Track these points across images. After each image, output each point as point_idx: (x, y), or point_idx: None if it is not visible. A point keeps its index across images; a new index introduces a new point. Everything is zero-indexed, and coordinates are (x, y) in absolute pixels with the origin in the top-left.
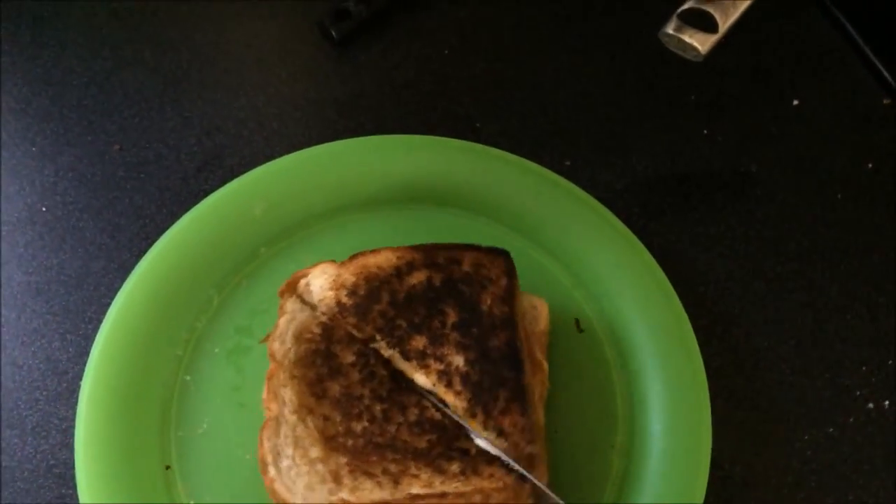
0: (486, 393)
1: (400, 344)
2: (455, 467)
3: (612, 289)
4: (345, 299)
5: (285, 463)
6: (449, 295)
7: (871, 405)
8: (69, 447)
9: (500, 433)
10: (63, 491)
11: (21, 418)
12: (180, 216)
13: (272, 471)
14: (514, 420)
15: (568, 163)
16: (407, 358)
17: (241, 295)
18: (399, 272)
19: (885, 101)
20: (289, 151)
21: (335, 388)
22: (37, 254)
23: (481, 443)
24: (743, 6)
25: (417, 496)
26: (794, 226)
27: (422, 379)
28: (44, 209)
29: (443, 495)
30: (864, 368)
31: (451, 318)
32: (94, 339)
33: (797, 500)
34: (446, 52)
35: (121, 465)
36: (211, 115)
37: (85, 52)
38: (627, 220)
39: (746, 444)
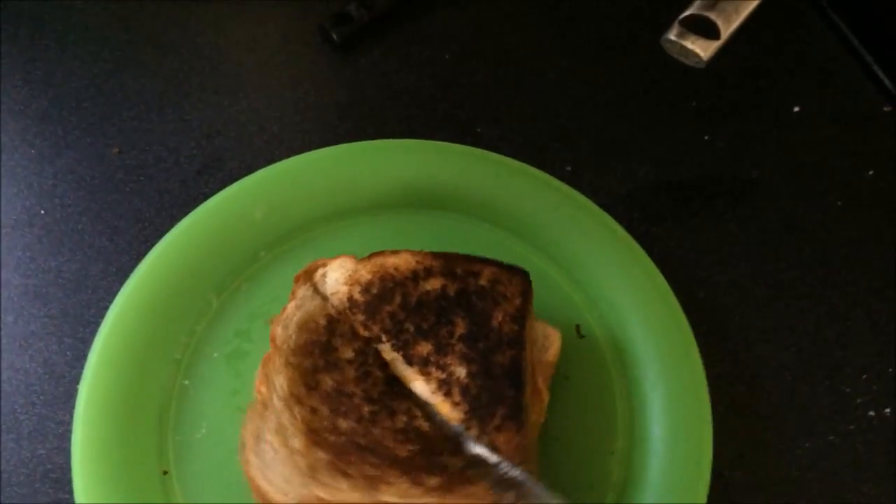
0: (483, 407)
1: (404, 347)
2: (433, 482)
3: (612, 294)
4: (357, 295)
5: (265, 447)
6: (461, 306)
7: (871, 412)
8: (66, 451)
9: (494, 449)
10: (60, 495)
11: (18, 422)
12: (180, 219)
13: (251, 455)
14: (508, 438)
15: (569, 168)
16: (409, 362)
17: (241, 299)
18: (415, 276)
19: (886, 108)
20: (289, 155)
21: (328, 382)
22: (35, 257)
23: (478, 450)
24: (745, 13)
25: None
26: (794, 232)
27: (420, 386)
28: (42, 212)
29: None
30: (864, 376)
31: (460, 329)
32: (92, 343)
33: None
34: (447, 56)
35: (118, 469)
36: (211, 119)
37: (84, 54)
38: (628, 226)
39: (747, 451)
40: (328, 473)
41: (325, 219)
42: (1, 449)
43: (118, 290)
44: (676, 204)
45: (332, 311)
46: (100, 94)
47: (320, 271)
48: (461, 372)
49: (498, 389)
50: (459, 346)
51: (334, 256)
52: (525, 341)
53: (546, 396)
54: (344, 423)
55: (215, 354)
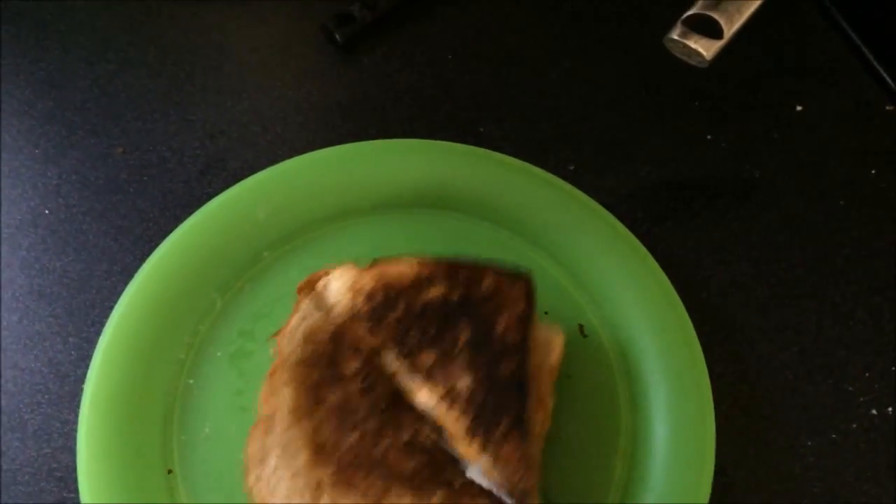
0: (488, 417)
1: (409, 356)
2: (437, 498)
3: (615, 293)
4: (361, 304)
5: (271, 464)
6: (465, 313)
7: (874, 411)
8: (70, 450)
9: (497, 458)
10: (65, 494)
11: (23, 421)
12: (183, 219)
13: (256, 471)
14: (513, 447)
15: (571, 167)
16: (414, 371)
17: (245, 299)
18: (418, 283)
19: (888, 108)
20: (292, 155)
21: (333, 397)
22: (39, 257)
23: (472, 474)
24: (748, 12)
25: None
26: (797, 231)
27: (424, 396)
28: (47, 212)
29: None
30: (867, 374)
31: (464, 336)
32: (96, 342)
33: None
34: (450, 56)
35: (123, 467)
36: (214, 119)
37: (88, 55)
38: (630, 225)
39: (749, 450)
40: (333, 489)
41: (329, 219)
42: (6, 448)
43: (122, 290)
44: (678, 203)
45: (337, 323)
46: (103, 95)
47: (322, 281)
48: (466, 381)
49: (503, 399)
50: (464, 355)
51: (336, 265)
52: (529, 347)
53: (550, 403)
54: (349, 438)
55: (219, 354)
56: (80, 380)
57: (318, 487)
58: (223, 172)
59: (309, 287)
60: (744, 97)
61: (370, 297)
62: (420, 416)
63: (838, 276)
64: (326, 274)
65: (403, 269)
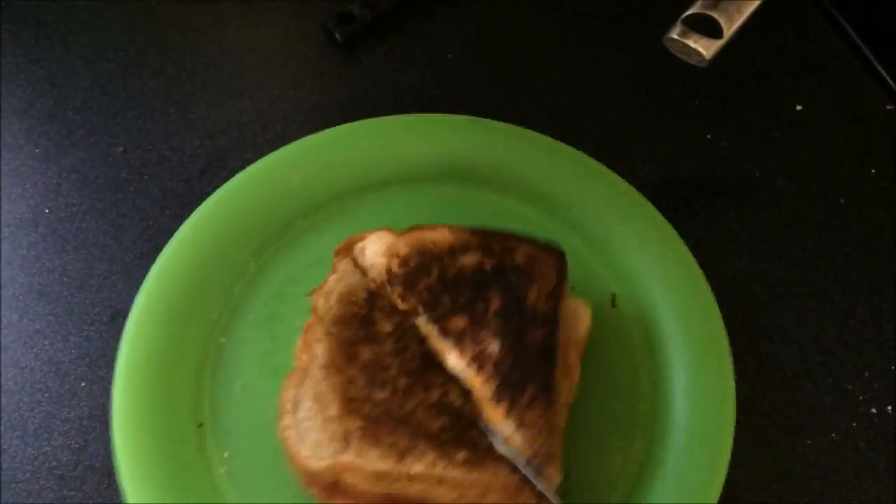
0: (515, 383)
1: (440, 320)
2: (461, 455)
3: (641, 269)
4: (395, 268)
5: (302, 413)
6: (497, 282)
7: (873, 410)
8: (71, 449)
9: (521, 424)
10: (65, 492)
11: (23, 420)
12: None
13: (288, 418)
14: (537, 414)
15: None
16: (445, 335)
17: (278, 264)
18: (453, 251)
19: (888, 107)
20: None
21: (366, 354)
22: (40, 255)
23: (494, 442)
24: (748, 11)
25: (418, 475)
26: (797, 231)
27: (454, 360)
28: (47, 211)
29: (441, 481)
30: (866, 373)
31: (495, 304)
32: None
33: None
34: (450, 56)
35: (155, 419)
36: (214, 118)
37: (89, 54)
38: None
39: (749, 448)
40: (360, 441)
41: (360, 189)
42: (6, 446)
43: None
44: (678, 203)
45: (372, 285)
46: (104, 94)
47: (360, 245)
48: (495, 347)
49: (530, 366)
50: (494, 322)
51: (373, 230)
52: (559, 319)
53: (577, 374)
54: (379, 394)
55: (251, 316)
56: (81, 378)
57: (345, 438)
58: (223, 171)
59: (346, 250)
60: (744, 96)
61: (405, 261)
62: (449, 379)
63: (838, 274)
64: (363, 238)
65: (438, 236)
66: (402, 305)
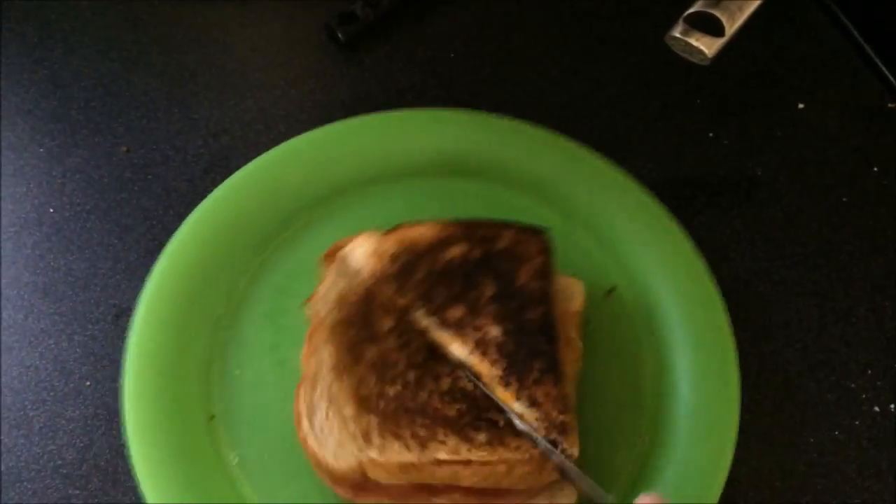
0: (520, 363)
1: (438, 312)
2: (482, 437)
3: (640, 255)
4: (385, 267)
5: (319, 418)
6: (486, 269)
7: (876, 408)
8: (76, 447)
9: (533, 402)
10: (70, 491)
11: (28, 419)
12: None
13: (306, 425)
14: (547, 390)
15: None
16: (444, 326)
17: (280, 258)
18: (438, 244)
19: (890, 105)
20: None
21: (372, 353)
22: (44, 255)
23: (511, 416)
24: (749, 10)
25: (443, 461)
26: (799, 229)
27: (457, 348)
28: (51, 210)
29: (468, 463)
30: (869, 372)
31: (488, 291)
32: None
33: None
34: (452, 55)
35: (165, 413)
36: (217, 117)
37: (92, 54)
38: None
39: (751, 447)
40: (380, 437)
41: (362, 184)
42: (11, 445)
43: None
44: (680, 201)
45: (366, 285)
46: (107, 94)
47: (345, 249)
48: (495, 331)
49: (533, 344)
50: (490, 307)
51: (356, 234)
52: (552, 296)
53: (579, 345)
54: (391, 389)
55: (256, 310)
56: (85, 377)
57: (366, 435)
58: (226, 171)
59: (332, 256)
60: (745, 95)
61: (394, 259)
62: (458, 366)
63: (840, 273)
64: (346, 244)
65: (423, 231)
66: (398, 302)
